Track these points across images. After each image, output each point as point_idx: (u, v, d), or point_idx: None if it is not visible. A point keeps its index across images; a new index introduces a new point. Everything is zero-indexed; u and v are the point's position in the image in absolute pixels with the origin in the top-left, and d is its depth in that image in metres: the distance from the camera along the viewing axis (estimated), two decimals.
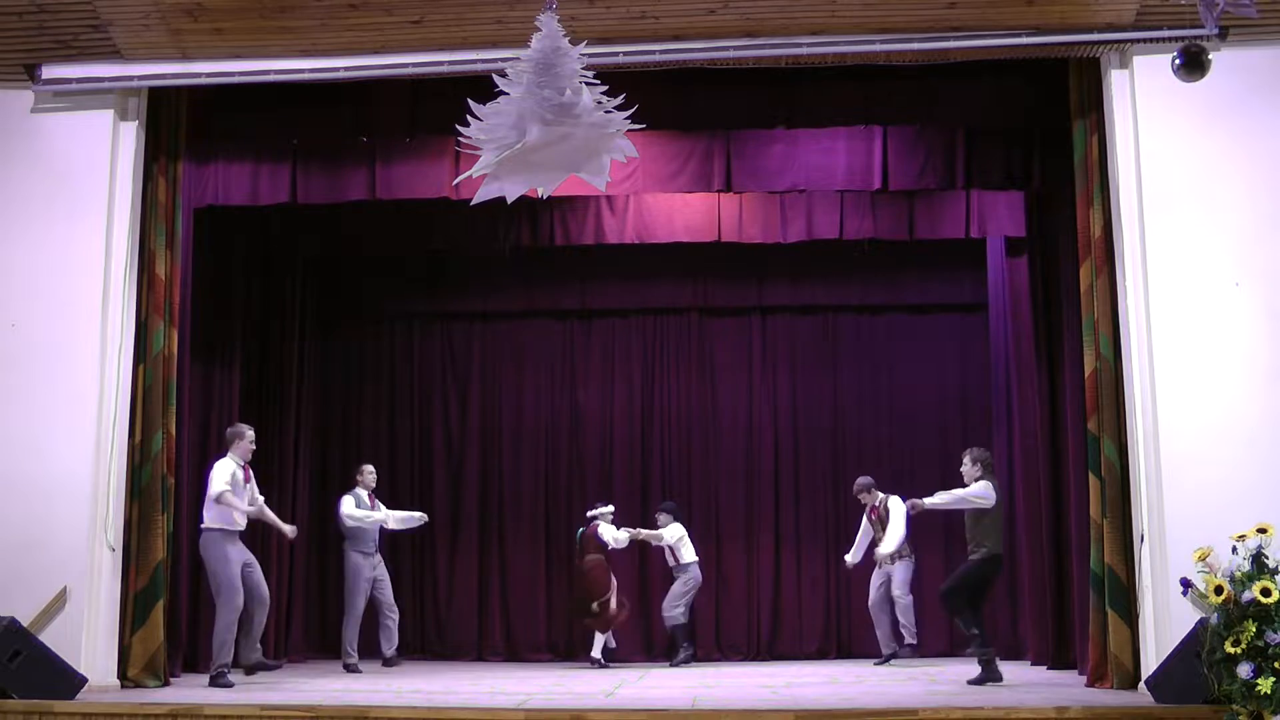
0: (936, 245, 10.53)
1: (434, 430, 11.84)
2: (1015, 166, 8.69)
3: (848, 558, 10.33)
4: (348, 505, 9.90)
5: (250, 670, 8.23)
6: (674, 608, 10.28)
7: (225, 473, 8.11)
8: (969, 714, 6.02)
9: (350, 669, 9.50)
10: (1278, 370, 7.01)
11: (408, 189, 8.97)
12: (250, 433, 8.38)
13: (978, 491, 8.07)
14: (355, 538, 9.89)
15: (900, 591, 10.04)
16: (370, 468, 10.22)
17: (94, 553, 7.53)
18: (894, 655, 10.00)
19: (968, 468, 8.25)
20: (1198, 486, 6.85)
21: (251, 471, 8.38)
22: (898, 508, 9.95)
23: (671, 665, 10.08)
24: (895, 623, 10.13)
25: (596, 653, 10.01)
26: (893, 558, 10.03)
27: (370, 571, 9.85)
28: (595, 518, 10.22)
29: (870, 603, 10.22)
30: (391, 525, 10.12)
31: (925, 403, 11.47)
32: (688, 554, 10.41)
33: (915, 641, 10.10)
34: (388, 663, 9.77)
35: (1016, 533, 9.99)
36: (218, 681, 7.75)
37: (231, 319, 9.95)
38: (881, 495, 10.20)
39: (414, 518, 10.22)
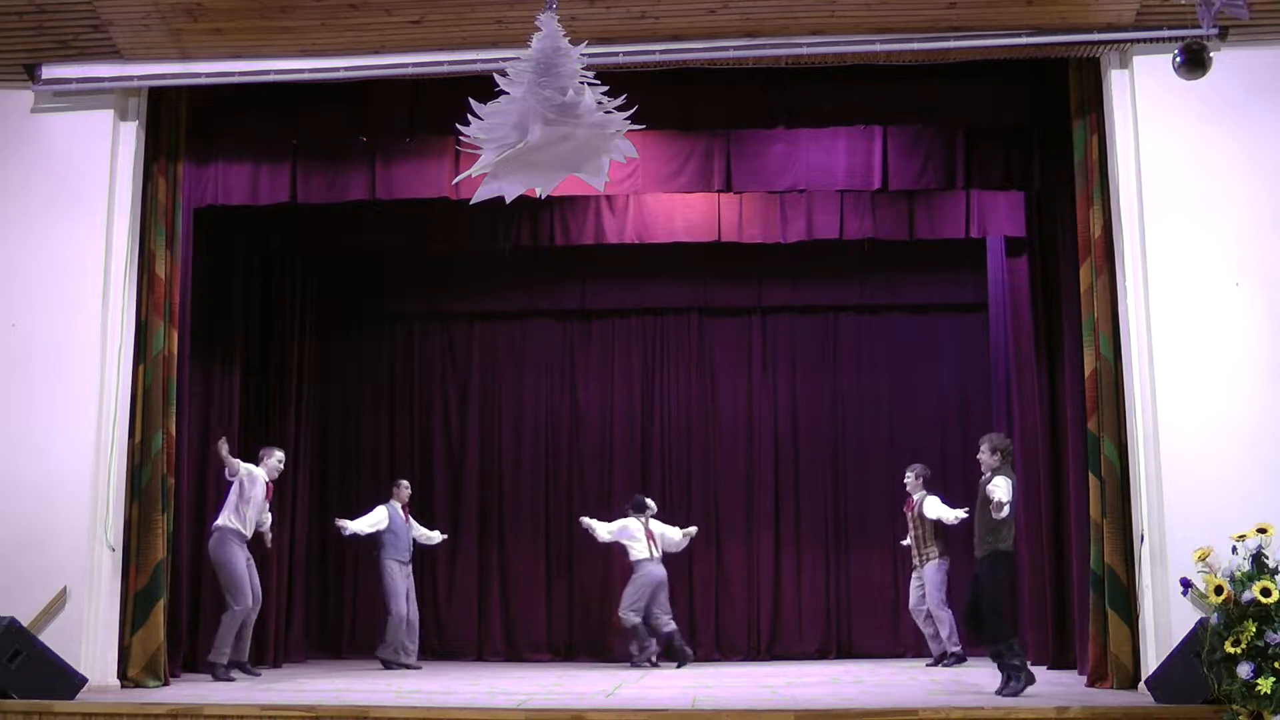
0: (936, 245, 10.52)
1: (434, 430, 11.84)
2: (1015, 166, 8.69)
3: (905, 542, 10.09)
4: (379, 516, 10.08)
5: (229, 668, 8.43)
6: (625, 609, 10.10)
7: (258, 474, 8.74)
8: (969, 714, 6.02)
9: (395, 665, 9.72)
10: (1278, 370, 7.01)
11: (408, 189, 8.97)
12: (278, 453, 9.01)
13: (1003, 490, 7.35)
14: (390, 546, 10.02)
15: (935, 600, 9.60)
16: (405, 482, 10.44)
17: (94, 553, 7.53)
18: (941, 660, 9.59)
19: (985, 456, 7.62)
20: (1198, 486, 6.85)
21: (273, 489, 8.90)
22: (933, 505, 9.68)
23: (632, 665, 9.88)
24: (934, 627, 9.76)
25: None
26: (924, 558, 9.72)
27: (405, 580, 10.02)
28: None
29: (910, 605, 9.97)
30: (421, 539, 10.41)
31: (925, 403, 11.46)
32: (635, 551, 10.19)
33: (960, 651, 9.53)
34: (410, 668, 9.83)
35: (1017, 533, 9.98)
36: (221, 676, 7.91)
37: (231, 319, 9.95)
38: (922, 493, 9.85)
39: (432, 537, 10.52)
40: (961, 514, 9.35)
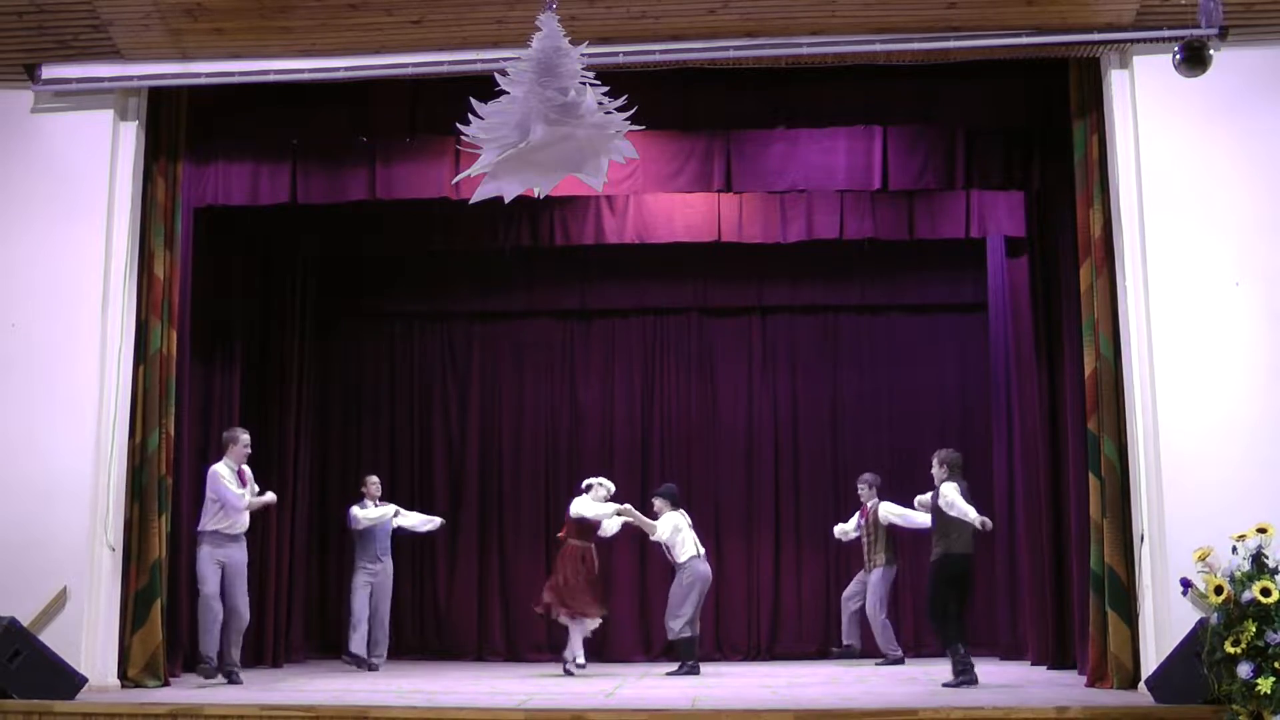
0: (936, 245, 10.54)
1: (434, 430, 11.84)
2: (1015, 166, 8.69)
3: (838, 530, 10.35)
4: (358, 510, 10.02)
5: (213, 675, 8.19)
6: (675, 616, 9.11)
7: (228, 477, 8.23)
8: (969, 714, 6.02)
9: (363, 663, 9.71)
10: (1278, 370, 7.01)
11: (408, 189, 8.97)
12: (245, 436, 8.49)
13: (952, 494, 7.93)
14: (360, 547, 9.97)
15: (874, 605, 10.01)
16: (375, 478, 10.25)
17: (94, 553, 7.52)
18: (847, 652, 10.12)
19: (935, 469, 8.20)
20: (1198, 486, 6.85)
21: (249, 472, 8.46)
22: (889, 508, 10.02)
23: (668, 674, 9.04)
24: (855, 621, 10.25)
25: (576, 654, 9.14)
26: (872, 564, 10.07)
27: (369, 578, 9.96)
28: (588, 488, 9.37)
29: (844, 593, 10.39)
30: (405, 523, 10.22)
31: (925, 403, 11.47)
32: (683, 550, 9.22)
33: (899, 654, 10.01)
34: (370, 667, 9.77)
35: (1017, 533, 10.00)
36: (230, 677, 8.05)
37: (231, 319, 9.95)
38: (875, 500, 10.13)
39: (430, 520, 10.32)
40: (926, 519, 9.24)
